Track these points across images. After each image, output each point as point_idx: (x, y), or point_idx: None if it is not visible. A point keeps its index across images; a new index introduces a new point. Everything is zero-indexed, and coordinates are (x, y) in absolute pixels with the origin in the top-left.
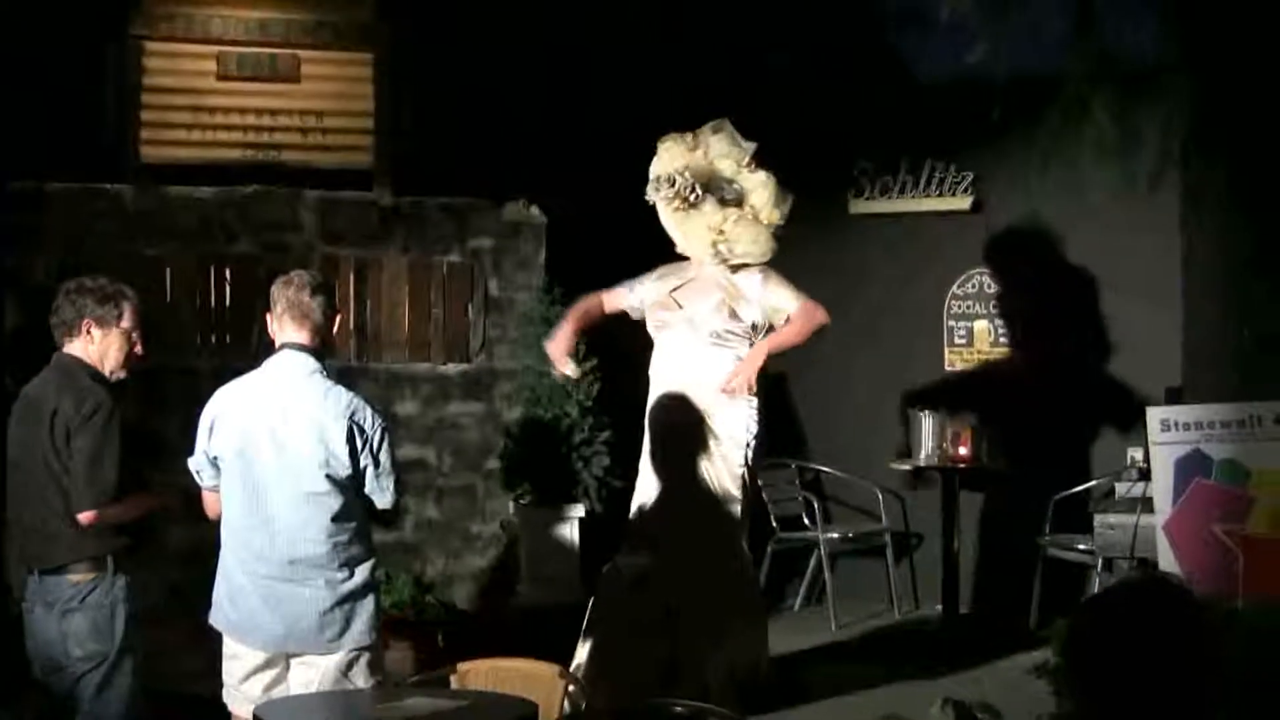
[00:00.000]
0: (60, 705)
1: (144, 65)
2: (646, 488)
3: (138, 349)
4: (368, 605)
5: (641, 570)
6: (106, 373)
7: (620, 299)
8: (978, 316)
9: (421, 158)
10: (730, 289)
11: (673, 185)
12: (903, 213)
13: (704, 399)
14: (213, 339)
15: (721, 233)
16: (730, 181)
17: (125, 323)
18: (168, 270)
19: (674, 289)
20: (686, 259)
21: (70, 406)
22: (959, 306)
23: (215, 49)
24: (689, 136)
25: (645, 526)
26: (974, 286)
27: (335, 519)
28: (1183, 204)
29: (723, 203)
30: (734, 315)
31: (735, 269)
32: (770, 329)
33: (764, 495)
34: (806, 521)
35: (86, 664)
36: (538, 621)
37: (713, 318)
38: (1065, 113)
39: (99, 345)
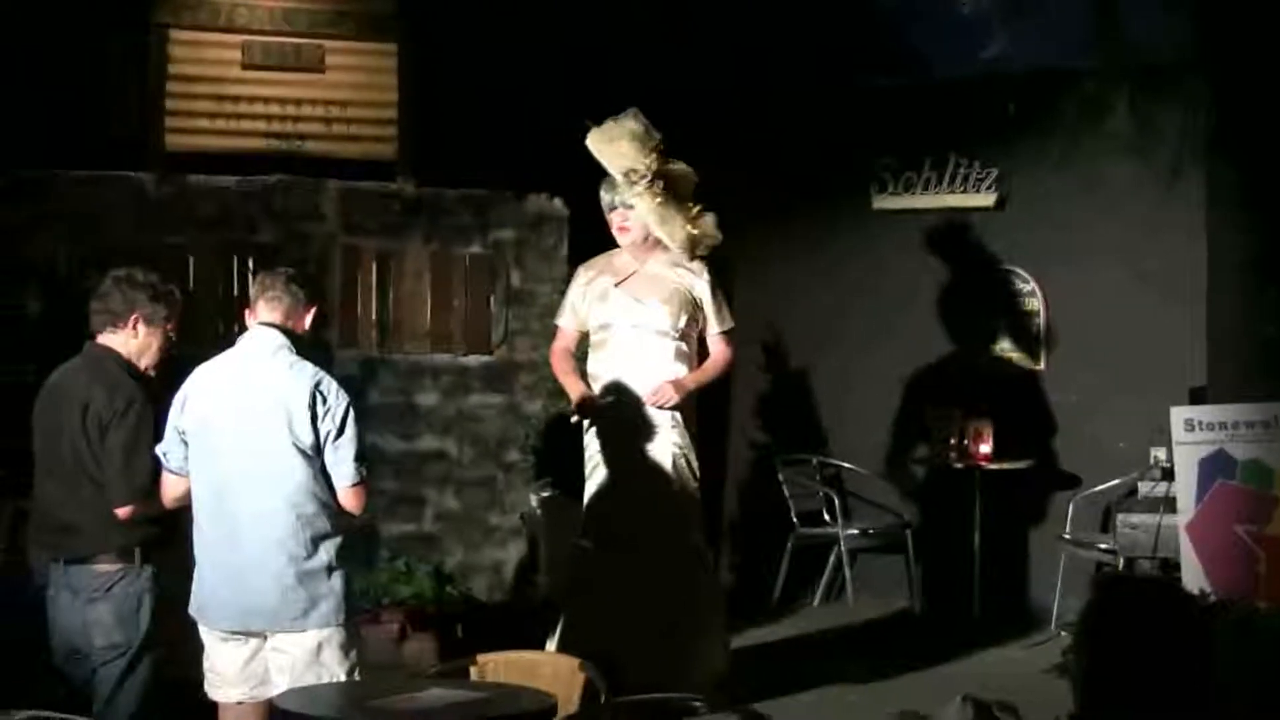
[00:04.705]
0: (79, 693)
1: (169, 54)
2: (599, 477)
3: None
4: (335, 585)
5: (600, 556)
6: (142, 368)
7: (568, 335)
8: (1000, 313)
9: (444, 149)
10: (681, 284)
11: (649, 179)
12: (926, 209)
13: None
14: (235, 328)
15: (694, 225)
16: (667, 173)
17: (170, 324)
18: (189, 259)
19: (618, 283)
20: (598, 256)
21: (103, 400)
22: (981, 303)
23: (240, 38)
24: (616, 126)
25: (600, 517)
26: (996, 283)
27: (298, 493)
28: (1207, 201)
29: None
30: (692, 306)
31: (675, 264)
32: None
33: (784, 491)
34: (827, 517)
35: (109, 654)
36: (557, 614)
37: (676, 312)
38: (1087, 108)
39: (141, 341)
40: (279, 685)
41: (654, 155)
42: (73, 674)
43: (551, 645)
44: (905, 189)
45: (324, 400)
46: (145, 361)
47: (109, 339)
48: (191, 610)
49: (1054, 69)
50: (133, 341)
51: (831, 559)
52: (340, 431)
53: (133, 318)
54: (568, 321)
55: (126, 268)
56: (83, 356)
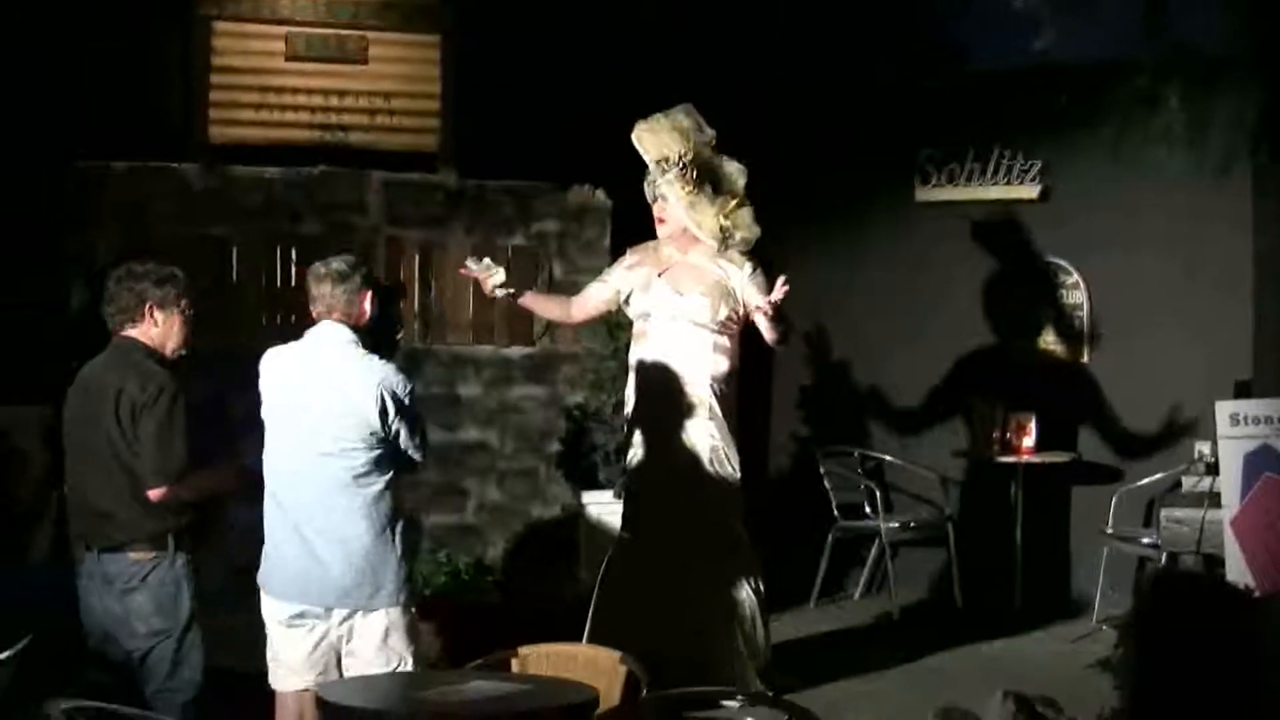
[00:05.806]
0: (119, 678)
1: (213, 45)
2: (638, 468)
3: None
4: (399, 567)
5: (640, 546)
6: (168, 353)
7: (591, 299)
8: (1043, 305)
9: (487, 140)
10: (722, 276)
11: (681, 168)
12: (969, 200)
13: (701, 386)
14: (278, 319)
15: (726, 216)
16: (709, 167)
17: (183, 302)
18: (234, 250)
19: (660, 273)
20: (647, 243)
21: (135, 387)
22: (1024, 296)
23: (284, 30)
24: (663, 119)
25: (639, 508)
26: (1040, 275)
27: (360, 479)
28: (1254, 196)
29: (714, 188)
30: (732, 299)
31: (718, 257)
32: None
33: (826, 483)
34: (868, 510)
35: (153, 640)
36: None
37: (715, 305)
38: (1134, 101)
39: (161, 328)
40: (351, 672)
41: (692, 146)
42: (111, 658)
43: None
44: (949, 181)
45: (394, 399)
46: (171, 345)
47: (131, 332)
48: (260, 579)
49: (1099, 61)
50: (154, 330)
51: (873, 551)
52: (411, 425)
53: (145, 307)
54: (593, 288)
55: (126, 264)
56: (110, 349)
